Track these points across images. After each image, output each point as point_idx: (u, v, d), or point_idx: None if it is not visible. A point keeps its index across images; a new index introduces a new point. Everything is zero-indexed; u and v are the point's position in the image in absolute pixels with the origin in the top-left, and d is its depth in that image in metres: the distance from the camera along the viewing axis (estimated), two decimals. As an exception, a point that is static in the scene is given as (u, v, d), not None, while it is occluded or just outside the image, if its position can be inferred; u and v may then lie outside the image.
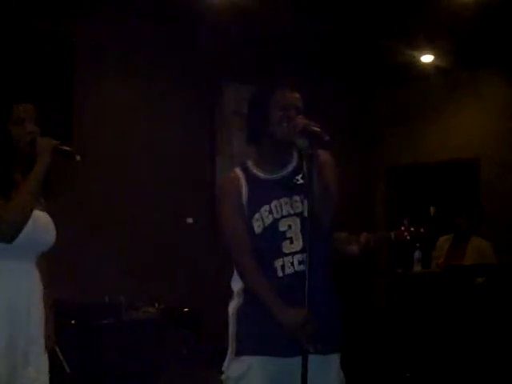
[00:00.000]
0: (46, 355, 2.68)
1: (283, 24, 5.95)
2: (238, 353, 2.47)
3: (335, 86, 7.35)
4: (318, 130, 2.35)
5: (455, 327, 5.19)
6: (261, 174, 2.58)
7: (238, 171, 2.61)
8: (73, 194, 5.05)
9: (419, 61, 6.95)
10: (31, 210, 2.50)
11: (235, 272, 2.57)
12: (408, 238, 4.04)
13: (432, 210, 5.72)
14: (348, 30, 6.14)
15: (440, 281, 5.53)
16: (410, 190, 7.84)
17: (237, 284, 2.57)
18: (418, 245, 5.90)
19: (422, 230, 4.10)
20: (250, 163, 2.62)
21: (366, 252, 4.02)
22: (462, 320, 5.18)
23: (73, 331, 4.36)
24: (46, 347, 2.67)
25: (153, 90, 5.87)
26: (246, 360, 2.43)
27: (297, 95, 2.56)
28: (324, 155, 2.53)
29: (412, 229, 4.07)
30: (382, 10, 5.75)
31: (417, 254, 5.83)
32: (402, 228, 4.07)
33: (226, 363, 2.54)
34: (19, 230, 2.45)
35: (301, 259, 2.44)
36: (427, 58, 6.91)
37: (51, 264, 2.82)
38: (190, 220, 6.03)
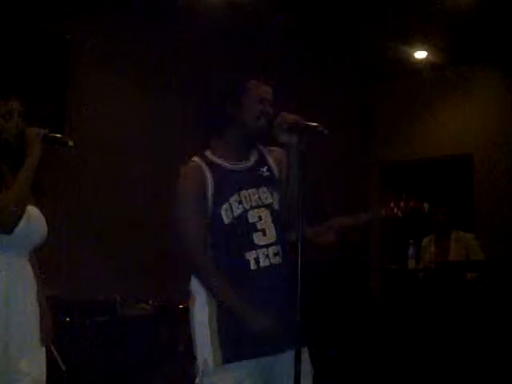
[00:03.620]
0: (43, 349, 2.69)
1: (277, 20, 5.95)
2: (227, 360, 2.34)
3: (328, 83, 7.35)
4: (314, 124, 2.30)
5: (449, 323, 5.21)
6: (226, 164, 2.48)
7: (198, 161, 2.48)
8: (67, 192, 5.06)
9: (413, 57, 6.96)
10: (27, 200, 2.51)
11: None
12: (399, 214, 3.95)
13: (426, 206, 5.73)
14: (342, 26, 6.15)
15: (434, 277, 5.55)
16: (404, 187, 7.85)
17: (199, 287, 2.45)
18: (411, 241, 5.92)
19: (411, 203, 4.01)
20: (209, 153, 2.52)
21: (358, 230, 3.97)
22: (456, 316, 5.19)
23: (68, 329, 4.36)
24: (42, 342, 2.68)
25: (146, 87, 5.87)
26: (240, 366, 2.32)
27: (269, 89, 2.49)
28: (279, 153, 2.52)
29: (401, 204, 3.98)
30: (376, 7, 5.76)
31: (411, 251, 5.86)
32: (392, 204, 3.98)
33: (202, 375, 2.39)
34: (18, 220, 2.44)
35: (276, 251, 2.40)
36: (421, 55, 6.93)
37: (46, 262, 2.83)
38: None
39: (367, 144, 8.00)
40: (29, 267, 2.64)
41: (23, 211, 2.48)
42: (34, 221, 2.62)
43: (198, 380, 2.41)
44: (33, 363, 2.57)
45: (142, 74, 5.84)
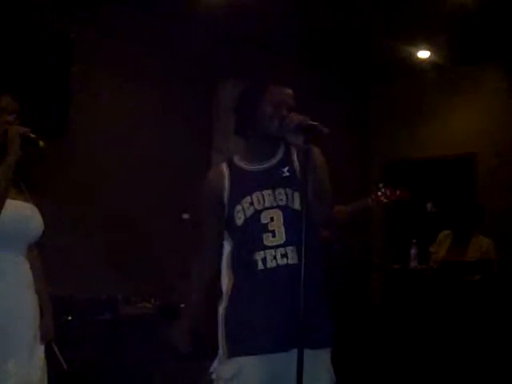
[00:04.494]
0: (41, 348, 2.68)
1: (279, 20, 5.95)
2: (231, 354, 2.45)
3: (332, 82, 7.35)
4: (314, 123, 2.32)
5: (451, 323, 5.21)
6: (245, 166, 2.59)
7: (223, 165, 2.63)
8: (69, 190, 5.06)
9: (416, 56, 6.96)
10: (4, 197, 2.51)
11: (223, 272, 2.57)
12: (384, 200, 4.04)
13: (429, 205, 5.72)
14: (345, 26, 6.14)
15: (437, 277, 5.54)
16: (407, 186, 7.83)
17: (224, 284, 2.56)
18: (414, 241, 5.91)
19: (398, 192, 4.09)
20: (236, 157, 2.64)
21: (347, 222, 4.02)
22: (458, 316, 5.19)
23: (69, 327, 4.36)
24: (42, 339, 2.67)
25: (149, 87, 5.86)
26: (239, 361, 2.40)
27: (289, 92, 2.55)
28: (318, 154, 2.52)
29: (388, 192, 4.07)
30: (378, 6, 5.75)
31: (413, 250, 5.84)
32: (379, 193, 4.08)
33: (215, 364, 2.52)
34: None
35: (284, 253, 2.43)
36: (424, 54, 6.92)
37: (48, 260, 2.83)
38: (185, 215, 6.02)
39: (369, 143, 7.99)
40: (26, 264, 2.64)
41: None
42: (29, 217, 2.63)
43: (212, 368, 2.54)
44: (21, 363, 2.55)
45: (146, 74, 5.83)
